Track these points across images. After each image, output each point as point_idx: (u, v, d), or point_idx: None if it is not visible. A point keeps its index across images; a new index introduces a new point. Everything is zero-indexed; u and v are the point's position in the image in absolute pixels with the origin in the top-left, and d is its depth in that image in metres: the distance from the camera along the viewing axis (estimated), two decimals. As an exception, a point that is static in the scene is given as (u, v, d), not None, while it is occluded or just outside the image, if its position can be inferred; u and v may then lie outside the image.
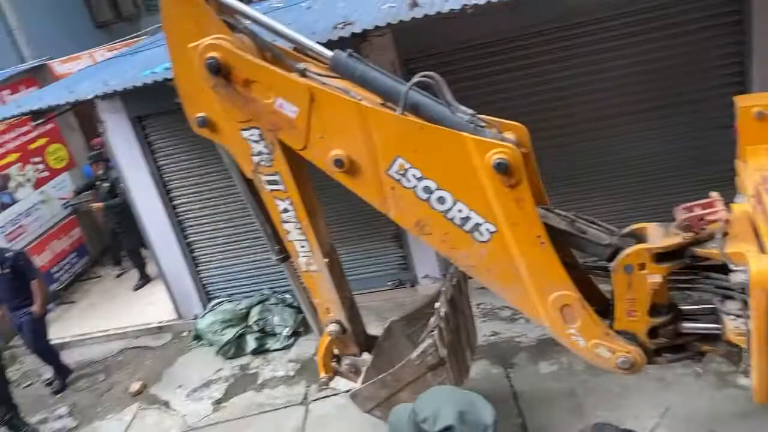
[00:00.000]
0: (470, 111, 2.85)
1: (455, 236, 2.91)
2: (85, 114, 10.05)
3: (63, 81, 7.45)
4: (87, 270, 9.67)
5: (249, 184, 3.59)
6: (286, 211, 3.44)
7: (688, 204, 2.83)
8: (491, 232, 2.83)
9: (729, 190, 3.13)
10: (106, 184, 8.50)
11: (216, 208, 7.07)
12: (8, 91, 9.07)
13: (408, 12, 4.68)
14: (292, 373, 6.27)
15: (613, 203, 6.05)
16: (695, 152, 5.74)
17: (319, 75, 3.07)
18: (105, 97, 6.05)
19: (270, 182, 3.35)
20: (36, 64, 9.55)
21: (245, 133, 3.21)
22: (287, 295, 7.06)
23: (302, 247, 3.57)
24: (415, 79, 2.80)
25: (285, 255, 3.81)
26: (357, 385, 3.99)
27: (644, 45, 5.42)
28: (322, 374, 4.11)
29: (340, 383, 5.78)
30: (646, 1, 5.24)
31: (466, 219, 2.85)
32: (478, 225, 2.84)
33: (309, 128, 2.98)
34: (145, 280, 8.83)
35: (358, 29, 4.63)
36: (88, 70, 7.53)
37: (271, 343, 6.70)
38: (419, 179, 2.86)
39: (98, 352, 7.66)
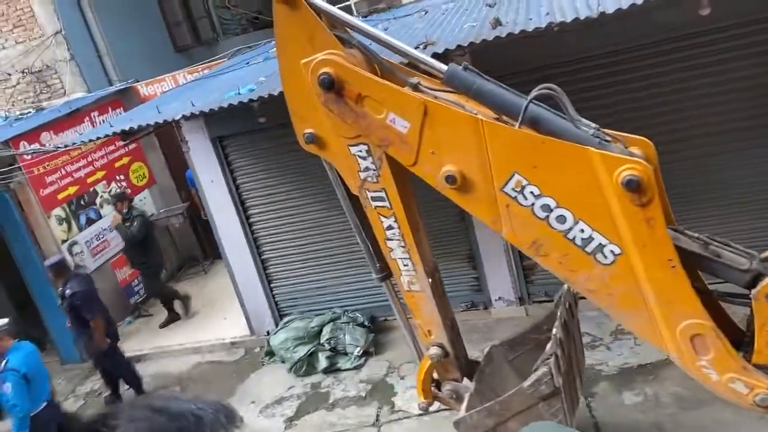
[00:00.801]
0: (594, 125, 2.71)
1: (575, 258, 2.75)
2: (165, 134, 10.52)
3: (150, 102, 7.79)
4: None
5: (353, 200, 3.58)
6: (390, 228, 3.41)
7: None
8: (616, 254, 2.65)
9: None
10: (127, 224, 8.35)
11: (290, 225, 7.18)
12: (97, 113, 9.57)
13: (491, 31, 4.64)
14: (363, 394, 6.23)
15: (736, 222, 5.70)
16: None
17: (432, 89, 3.02)
18: (189, 117, 6.28)
19: (375, 198, 3.34)
20: (123, 86, 10.04)
21: (353, 149, 3.21)
22: (358, 314, 7.06)
23: (405, 265, 3.51)
24: (536, 91, 2.69)
25: (386, 273, 3.75)
26: (461, 412, 3.77)
27: (752, 59, 5.18)
28: (421, 400, 3.97)
29: (412, 406, 5.72)
30: (753, 15, 5.00)
31: (589, 240, 2.68)
32: (601, 246, 2.67)
33: (420, 143, 2.93)
34: (173, 316, 8.78)
35: (440, 49, 4.62)
36: (173, 92, 7.85)
37: (342, 363, 6.69)
38: (537, 197, 2.72)
39: (174, 366, 7.87)
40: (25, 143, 8.17)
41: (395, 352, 6.79)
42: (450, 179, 2.86)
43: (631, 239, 2.58)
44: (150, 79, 10.24)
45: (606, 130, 2.70)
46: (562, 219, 2.70)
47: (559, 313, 3.90)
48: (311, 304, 7.44)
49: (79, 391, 8.03)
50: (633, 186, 2.46)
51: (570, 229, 2.70)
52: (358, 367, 6.64)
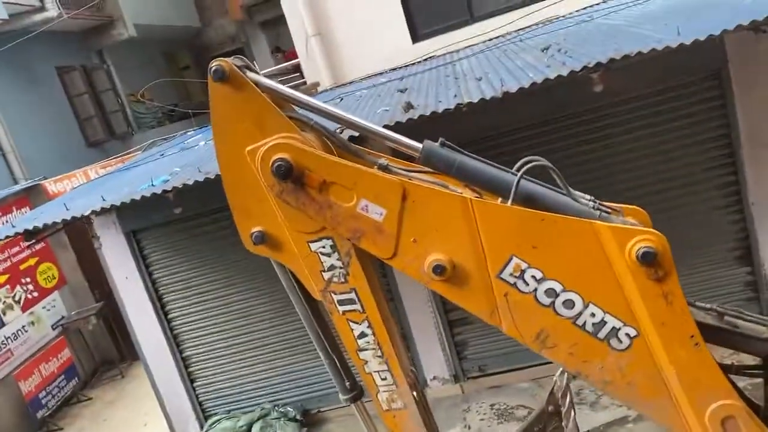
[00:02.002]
0: (588, 196, 2.54)
1: (587, 346, 2.47)
2: (76, 231, 10.03)
3: (58, 199, 7.44)
4: (76, 393, 9.20)
5: (312, 307, 3.08)
6: (363, 335, 2.93)
7: None
8: (632, 337, 2.41)
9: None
10: None
11: (213, 319, 6.85)
12: (0, 213, 9.04)
13: (404, 114, 4.78)
14: (299, 495, 5.82)
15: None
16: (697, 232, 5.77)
17: (406, 170, 2.70)
18: (100, 212, 6.00)
19: (344, 302, 2.87)
20: (29, 185, 9.60)
21: (315, 246, 2.76)
22: (289, 408, 6.71)
23: (383, 379, 3.00)
24: (524, 165, 2.48)
25: (357, 392, 3.19)
26: None
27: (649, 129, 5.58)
28: None
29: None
30: (640, 91, 5.44)
31: (601, 324, 2.42)
32: (616, 330, 2.42)
33: (400, 231, 2.57)
34: None
35: (355, 132, 4.69)
36: (83, 188, 7.55)
37: (275, 462, 6.27)
38: (540, 281, 2.43)
39: (87, 484, 7.13)
40: None
41: (331, 445, 6.45)
42: (438, 270, 2.51)
43: (649, 318, 2.38)
44: (60, 175, 9.87)
45: (604, 202, 2.57)
46: (569, 304, 2.44)
47: (564, 410, 3.64)
48: (239, 401, 7.02)
49: None
50: (649, 259, 2.27)
51: (579, 314, 2.44)
52: (292, 466, 6.23)
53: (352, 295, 2.83)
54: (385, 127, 4.69)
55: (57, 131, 11.65)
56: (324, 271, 2.79)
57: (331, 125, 2.86)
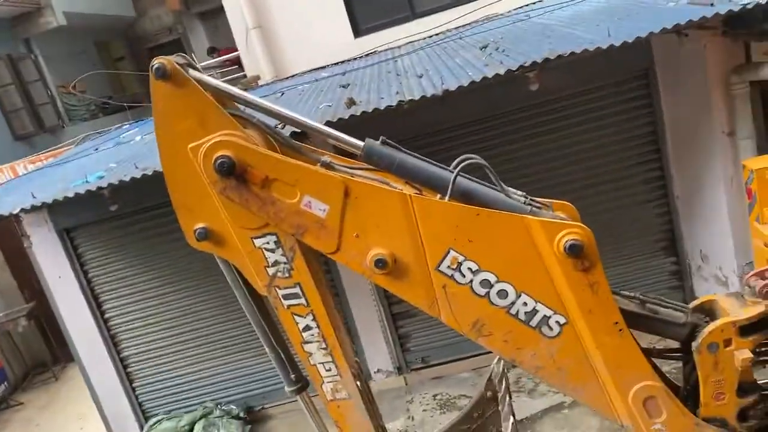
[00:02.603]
0: (521, 192, 2.65)
1: (520, 334, 2.63)
2: (3, 230, 9.56)
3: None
4: (6, 398, 8.81)
5: (256, 302, 3.15)
6: (307, 328, 3.01)
7: (758, 270, 2.78)
8: (561, 325, 2.58)
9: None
10: None
11: (152, 317, 6.69)
12: None
13: (346, 110, 4.81)
14: (243, 493, 5.78)
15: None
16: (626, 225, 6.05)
17: (347, 167, 2.78)
18: (31, 210, 5.77)
19: (288, 296, 2.94)
20: (-49, 180, 9.07)
21: (258, 242, 2.80)
22: (233, 406, 6.65)
23: (328, 370, 3.09)
24: (461, 163, 2.60)
25: (302, 384, 3.28)
26: None
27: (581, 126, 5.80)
28: None
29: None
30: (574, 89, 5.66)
31: (533, 312, 2.59)
32: (546, 318, 2.59)
33: (343, 227, 2.66)
34: None
35: (297, 128, 4.68)
36: (12, 184, 7.22)
37: (220, 460, 6.21)
38: (475, 272, 2.58)
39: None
40: None
41: (276, 442, 6.44)
42: (380, 264, 2.61)
43: (577, 306, 2.54)
44: (-16, 170, 9.36)
45: (534, 198, 2.72)
46: (503, 294, 2.59)
47: (501, 396, 3.73)
48: (180, 400, 6.89)
49: None
50: (576, 251, 2.42)
51: (512, 303, 2.60)
52: (237, 463, 6.18)
53: (297, 290, 2.86)
54: (328, 123, 4.72)
55: (-20, 124, 11.07)
56: (268, 266, 2.82)
57: (273, 122, 2.88)
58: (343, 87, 6.08)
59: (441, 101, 4.83)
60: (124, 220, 6.18)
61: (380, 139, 2.71)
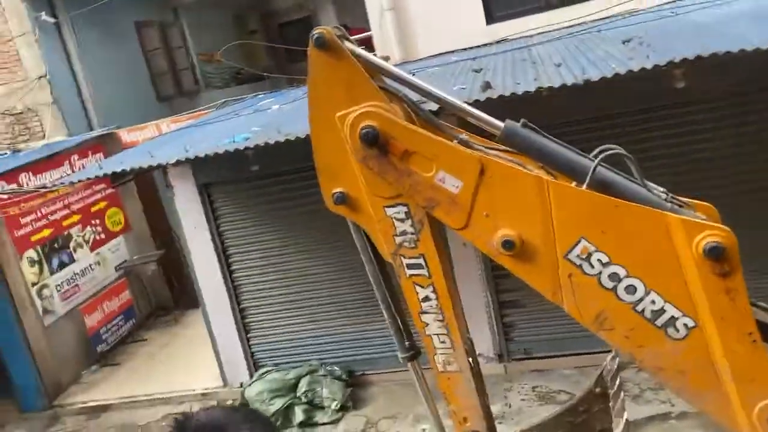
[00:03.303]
0: (662, 188, 2.58)
1: (644, 332, 2.55)
2: (144, 182, 10.50)
3: (140, 147, 7.83)
4: (133, 333, 9.74)
5: (381, 269, 3.24)
6: (427, 299, 3.05)
7: None
8: (689, 328, 2.48)
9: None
10: None
11: (272, 275, 7.16)
12: (77, 156, 9.54)
13: (482, 94, 4.89)
14: (340, 450, 6.12)
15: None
16: None
17: (484, 147, 2.80)
18: (179, 163, 6.34)
19: (412, 266, 2.99)
20: (105, 131, 10.07)
21: (390, 211, 2.88)
22: (336, 368, 6.99)
23: (442, 342, 3.12)
24: (601, 152, 2.56)
25: (414, 352, 3.34)
26: None
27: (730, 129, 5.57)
28: None
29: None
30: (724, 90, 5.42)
31: (660, 312, 2.50)
32: (673, 319, 2.50)
33: (474, 205, 2.66)
34: None
35: (433, 107, 4.83)
36: (161, 139, 7.91)
37: (319, 417, 6.58)
38: (605, 265, 2.51)
39: (141, 416, 7.60)
40: (4, 183, 8.05)
41: (373, 407, 6.71)
42: (507, 245, 2.59)
43: (709, 311, 2.43)
44: (131, 126, 10.30)
45: (676, 196, 2.65)
46: (631, 289, 2.52)
47: (612, 392, 3.72)
48: (288, 356, 7.35)
49: (39, 442, 7.65)
50: (716, 254, 2.32)
51: (640, 300, 2.52)
52: (335, 422, 6.53)
53: (421, 261, 2.93)
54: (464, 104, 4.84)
55: (131, 84, 12.09)
56: (396, 235, 2.91)
57: (416, 98, 2.98)
58: (476, 71, 6.15)
59: (577, 92, 4.80)
60: (259, 182, 6.63)
61: (521, 121, 2.69)
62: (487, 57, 7.25)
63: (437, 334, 3.07)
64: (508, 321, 6.67)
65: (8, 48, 10.20)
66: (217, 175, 6.89)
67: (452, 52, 8.27)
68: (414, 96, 3.16)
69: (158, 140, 7.91)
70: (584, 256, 2.51)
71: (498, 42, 8.36)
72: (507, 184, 2.60)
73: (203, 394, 7.64)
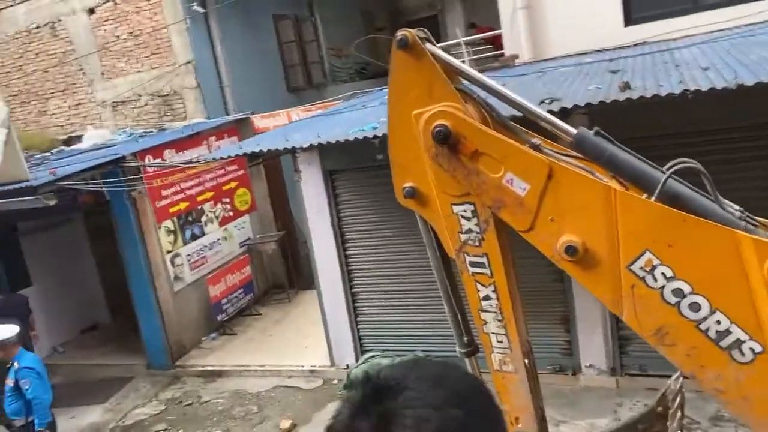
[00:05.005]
0: (737, 207, 2.50)
1: (706, 352, 2.47)
2: (270, 165, 11.11)
3: (276, 131, 8.29)
4: (250, 306, 10.33)
5: (446, 264, 3.35)
6: (487, 298, 3.13)
7: None
8: (756, 353, 2.37)
9: None
10: None
11: (385, 263, 7.33)
12: (214, 137, 10.26)
13: (620, 94, 4.72)
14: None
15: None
16: None
17: (556, 152, 2.82)
18: (308, 149, 6.66)
19: (474, 264, 3.07)
20: (241, 116, 10.74)
21: (457, 208, 2.98)
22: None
23: (499, 341, 3.19)
24: (674, 165, 2.49)
25: (472, 348, 3.44)
26: None
27: None
28: None
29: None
30: None
31: (725, 333, 2.41)
32: (739, 342, 2.40)
33: (539, 208, 2.70)
34: None
35: (568, 104, 4.74)
36: (293, 126, 8.33)
37: (421, 406, 6.65)
38: (669, 279, 2.44)
39: (253, 385, 8.06)
40: (150, 157, 8.84)
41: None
42: (570, 251, 2.60)
43: None
44: (262, 113, 10.92)
45: (753, 216, 2.58)
46: (695, 307, 2.43)
47: (671, 412, 3.64)
48: (394, 343, 7.49)
49: (161, 397, 8.33)
50: None
51: (704, 318, 2.43)
52: (436, 414, 6.58)
53: (484, 260, 2.99)
54: (601, 104, 4.70)
55: (265, 73, 12.81)
56: (461, 232, 2.97)
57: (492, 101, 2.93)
58: (613, 72, 5.93)
59: (729, 98, 4.51)
60: (381, 171, 6.78)
61: (594, 130, 2.69)
62: (625, 59, 6.96)
63: (495, 333, 3.13)
64: (624, 334, 6.38)
65: (162, 35, 11.16)
66: (342, 162, 7.16)
67: (586, 53, 8.02)
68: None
69: (290, 126, 8.33)
70: (648, 269, 2.44)
71: (636, 44, 8.00)
72: (574, 190, 2.60)
73: (311, 371, 7.98)
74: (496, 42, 10.93)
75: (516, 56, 8.98)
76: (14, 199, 7.16)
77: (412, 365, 1.13)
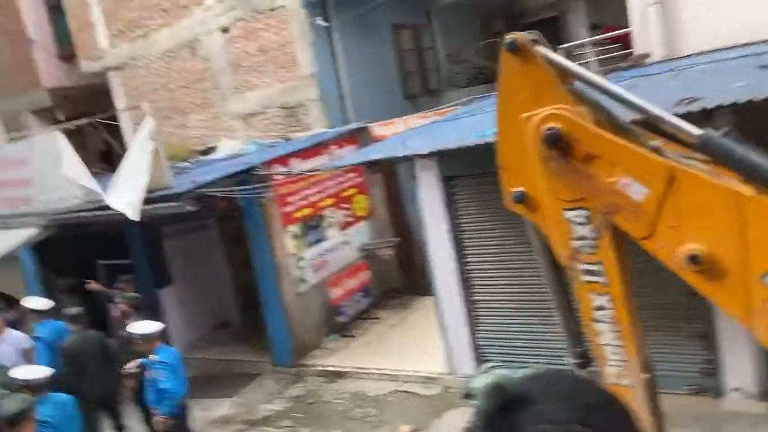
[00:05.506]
0: None
1: None
2: (386, 172, 11.30)
3: (395, 138, 8.44)
4: (368, 310, 10.55)
5: (557, 271, 3.24)
6: (601, 308, 2.98)
7: None
8: None
9: None
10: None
11: (505, 272, 7.20)
12: (335, 146, 10.61)
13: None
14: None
15: None
16: None
17: (679, 155, 2.63)
18: (426, 156, 6.71)
19: (588, 272, 2.93)
20: (360, 125, 11.03)
21: (569, 214, 2.87)
22: (563, 374, 6.77)
23: (615, 354, 3.02)
24: None
25: (585, 360, 3.32)
26: None
27: None
28: None
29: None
30: None
31: None
32: None
33: (660, 214, 2.54)
34: None
35: (709, 104, 4.40)
36: (412, 132, 8.43)
37: (543, 421, 6.44)
38: None
39: (371, 388, 8.22)
40: (278, 166, 9.32)
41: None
42: (694, 260, 2.43)
43: None
44: (379, 121, 11.14)
45: None
46: None
47: None
48: (514, 354, 7.32)
49: (286, 394, 8.72)
50: None
51: None
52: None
53: (598, 268, 2.85)
54: (749, 103, 4.32)
55: (382, 82, 13.06)
56: (574, 239, 2.86)
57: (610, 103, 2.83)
58: (764, 67, 5.43)
59: None
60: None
61: (722, 130, 2.59)
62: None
63: (610, 345, 2.98)
64: (775, 355, 5.80)
65: (288, 50, 11.73)
66: (460, 168, 7.12)
67: (730, 48, 7.39)
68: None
69: (408, 134, 8.43)
70: None
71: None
72: (698, 195, 2.42)
73: (428, 378, 7.99)
74: (624, 41, 10.40)
75: (647, 55, 8.48)
76: (162, 205, 7.84)
77: (542, 378, 1.13)
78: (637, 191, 2.61)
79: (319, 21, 11.12)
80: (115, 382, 7.24)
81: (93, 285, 9.20)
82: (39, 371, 5.76)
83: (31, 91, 16.60)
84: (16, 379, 5.49)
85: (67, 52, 15.58)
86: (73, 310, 7.49)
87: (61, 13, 15.11)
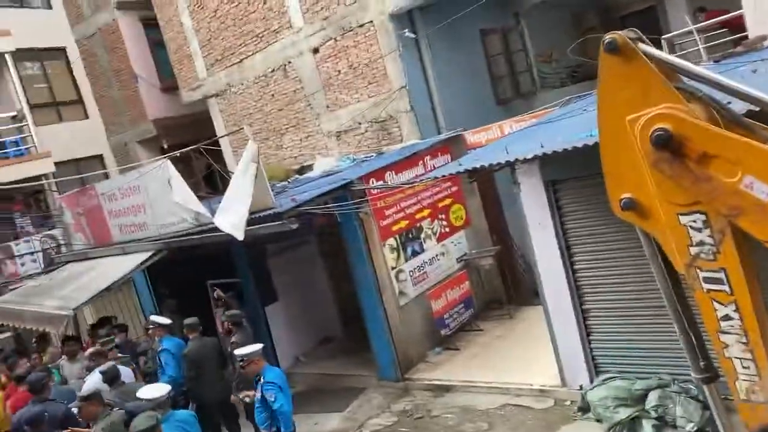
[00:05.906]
0: None
1: None
2: (483, 180, 11.07)
3: (494, 144, 8.28)
4: (471, 321, 10.34)
5: (673, 281, 3.04)
6: (727, 318, 2.78)
7: None
8: None
9: None
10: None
11: (619, 277, 6.79)
12: (429, 157, 10.55)
13: None
14: (697, 477, 5.45)
15: None
16: None
17: None
18: (527, 160, 6.47)
19: (709, 280, 2.75)
20: (453, 134, 10.92)
21: (685, 219, 2.71)
22: (691, 386, 6.27)
23: (745, 367, 2.81)
24: None
25: (711, 375, 3.10)
26: None
27: None
28: None
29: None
30: None
31: None
32: None
33: None
34: None
35: (752, 104, 3.92)
36: (510, 138, 8.25)
37: (671, 436, 5.99)
38: None
39: (481, 401, 8.01)
40: (374, 180, 9.37)
41: (738, 438, 5.82)
42: None
43: None
44: (472, 128, 10.95)
45: None
46: None
47: None
48: (633, 364, 6.87)
49: (393, 409, 8.68)
50: None
51: None
52: (689, 445, 5.87)
53: (721, 275, 2.66)
54: None
55: (473, 88, 12.86)
56: (692, 245, 2.68)
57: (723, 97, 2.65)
58: None
59: None
60: (610, 178, 6.35)
61: None
62: None
63: (740, 358, 2.76)
64: None
65: (378, 65, 11.84)
66: (564, 171, 6.83)
67: None
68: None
69: (506, 139, 8.22)
70: None
71: None
72: None
73: (540, 390, 7.68)
74: (734, 25, 9.66)
75: (765, 37, 7.81)
76: (265, 225, 8.08)
77: None
78: (763, 191, 2.45)
79: (407, 33, 11.14)
80: (230, 387, 7.75)
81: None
82: (162, 389, 6.04)
83: (137, 123, 17.85)
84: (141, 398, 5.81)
85: (169, 84, 16.63)
86: (191, 320, 8.20)
87: (162, 48, 16.15)
